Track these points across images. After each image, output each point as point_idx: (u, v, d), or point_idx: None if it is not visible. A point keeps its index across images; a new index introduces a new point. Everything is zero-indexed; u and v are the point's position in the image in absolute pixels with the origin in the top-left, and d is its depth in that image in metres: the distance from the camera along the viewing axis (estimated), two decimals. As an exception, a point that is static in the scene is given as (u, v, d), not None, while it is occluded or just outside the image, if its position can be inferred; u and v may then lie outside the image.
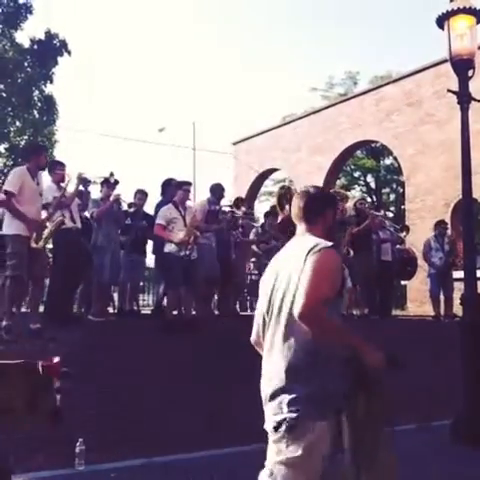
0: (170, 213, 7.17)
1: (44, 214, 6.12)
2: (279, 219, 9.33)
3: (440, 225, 10.61)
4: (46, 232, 5.85)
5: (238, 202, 9.59)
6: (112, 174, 7.42)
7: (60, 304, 6.61)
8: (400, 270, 10.25)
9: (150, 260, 9.11)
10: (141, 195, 8.03)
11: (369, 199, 27.87)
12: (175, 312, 7.51)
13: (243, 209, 9.36)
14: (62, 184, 6.45)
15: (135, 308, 8.74)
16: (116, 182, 7.59)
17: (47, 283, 6.98)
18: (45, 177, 6.49)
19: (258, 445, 4.23)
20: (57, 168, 6.58)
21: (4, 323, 5.60)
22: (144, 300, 11.92)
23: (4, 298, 5.77)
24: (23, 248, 5.62)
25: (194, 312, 8.18)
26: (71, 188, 6.59)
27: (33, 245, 5.67)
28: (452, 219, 13.46)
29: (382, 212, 10.85)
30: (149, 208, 8.34)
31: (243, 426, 4.56)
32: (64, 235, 6.32)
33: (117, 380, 4.94)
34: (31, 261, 5.67)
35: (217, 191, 8.41)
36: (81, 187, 7.06)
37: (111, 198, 7.39)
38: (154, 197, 8.31)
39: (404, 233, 10.79)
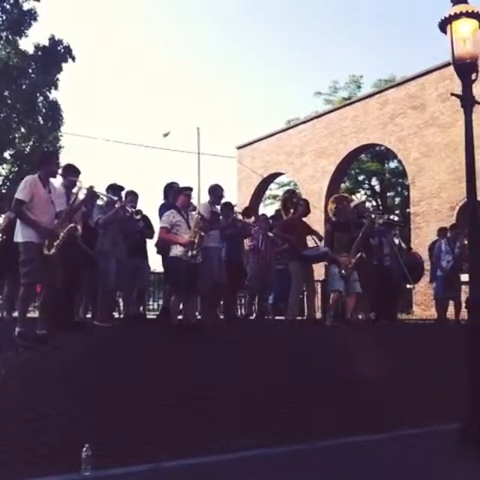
0: (173, 217, 7.20)
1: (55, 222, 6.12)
2: (283, 221, 9.37)
3: (453, 229, 10.51)
4: (58, 239, 5.86)
5: (249, 211, 9.66)
6: (120, 199, 7.46)
7: (61, 310, 6.65)
8: (405, 274, 10.18)
9: (154, 264, 9.16)
10: (132, 197, 8.03)
11: (374, 203, 27.86)
12: (180, 317, 7.53)
13: (253, 218, 9.43)
14: (73, 190, 6.47)
15: (141, 312, 8.77)
16: (121, 189, 7.66)
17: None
18: (57, 180, 6.51)
19: (265, 450, 4.25)
20: (72, 174, 6.61)
21: (18, 329, 5.63)
22: (148, 305, 11.94)
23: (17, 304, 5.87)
24: (36, 255, 5.65)
25: (199, 317, 8.20)
26: (79, 197, 6.61)
27: (45, 252, 5.70)
28: (457, 222, 13.44)
29: (386, 216, 10.83)
30: (150, 211, 8.41)
31: (248, 429, 4.56)
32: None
33: (123, 385, 4.94)
34: (45, 268, 5.71)
35: (216, 191, 8.47)
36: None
37: (116, 205, 7.44)
38: (156, 202, 8.37)
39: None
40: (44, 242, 5.71)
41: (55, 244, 5.76)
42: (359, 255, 8.37)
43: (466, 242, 10.48)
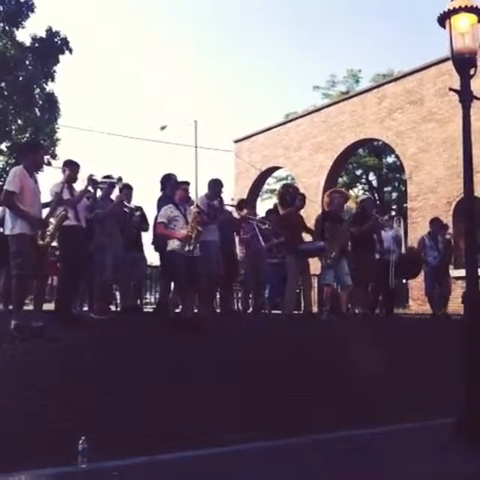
0: (171, 211, 7.20)
1: (45, 212, 6.12)
2: (281, 215, 9.37)
3: (434, 223, 10.50)
4: (51, 228, 5.86)
5: (241, 204, 9.63)
6: (120, 179, 7.45)
7: (60, 303, 6.68)
8: (405, 269, 10.15)
9: (151, 258, 9.16)
10: (127, 190, 8.04)
11: (371, 197, 27.89)
12: (177, 310, 7.55)
13: (245, 211, 9.41)
14: (71, 183, 6.49)
15: (138, 305, 8.78)
16: (120, 179, 7.65)
17: (53, 282, 7.03)
18: (56, 176, 6.53)
19: (263, 443, 4.26)
20: (71, 169, 6.61)
21: (14, 322, 5.62)
22: (145, 298, 11.95)
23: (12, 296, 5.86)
24: (28, 247, 5.63)
25: (196, 310, 8.20)
26: (79, 188, 6.62)
27: (40, 242, 5.69)
28: (454, 218, 13.47)
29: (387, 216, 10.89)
30: (147, 204, 8.42)
31: (247, 424, 4.58)
32: (70, 234, 6.39)
33: (120, 378, 4.95)
34: (37, 259, 5.69)
35: (215, 186, 8.44)
36: (90, 188, 7.08)
37: (114, 199, 7.49)
38: (154, 195, 8.36)
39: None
40: (36, 233, 5.70)
41: (48, 234, 5.77)
42: (338, 245, 8.41)
43: (448, 236, 10.56)
